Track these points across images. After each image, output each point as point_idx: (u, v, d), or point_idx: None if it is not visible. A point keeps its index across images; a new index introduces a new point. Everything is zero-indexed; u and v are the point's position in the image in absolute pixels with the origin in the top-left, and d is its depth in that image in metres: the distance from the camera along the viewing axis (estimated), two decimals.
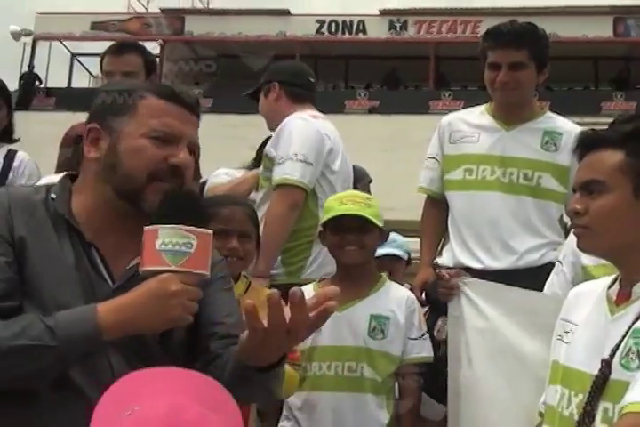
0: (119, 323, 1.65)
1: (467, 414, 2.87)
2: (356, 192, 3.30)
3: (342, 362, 3.03)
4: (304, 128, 3.62)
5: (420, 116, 16.96)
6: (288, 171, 3.50)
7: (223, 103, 18.05)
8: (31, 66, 21.88)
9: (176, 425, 1.41)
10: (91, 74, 22.53)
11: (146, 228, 1.69)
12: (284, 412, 3.13)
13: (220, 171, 4.40)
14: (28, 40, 22.36)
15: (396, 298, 3.14)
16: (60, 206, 1.80)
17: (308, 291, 3.00)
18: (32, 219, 1.76)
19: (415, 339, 3.11)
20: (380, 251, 3.91)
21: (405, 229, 5.10)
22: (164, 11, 22.70)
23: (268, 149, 3.66)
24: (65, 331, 1.60)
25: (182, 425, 1.41)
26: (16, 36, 22.03)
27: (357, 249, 3.05)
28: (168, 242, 1.64)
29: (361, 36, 21.44)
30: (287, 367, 2.69)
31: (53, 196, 1.82)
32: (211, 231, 1.71)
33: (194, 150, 1.86)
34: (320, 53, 21.52)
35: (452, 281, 2.96)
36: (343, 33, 21.46)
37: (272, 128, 3.89)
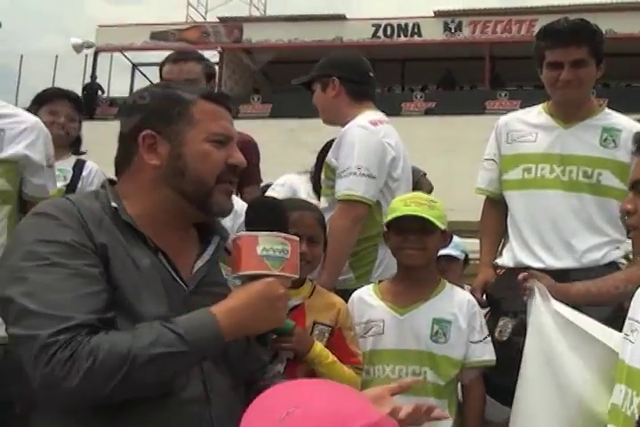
0: (235, 325, 1.71)
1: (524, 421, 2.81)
2: (421, 194, 3.26)
3: (406, 366, 3.00)
4: (366, 139, 3.53)
5: (476, 117, 16.81)
6: (352, 186, 3.43)
7: (282, 108, 18.14)
8: (94, 76, 22.21)
9: (342, 423, 1.38)
10: (152, 83, 22.76)
11: (243, 234, 1.79)
12: None
13: (279, 181, 4.39)
14: (90, 52, 22.71)
15: (457, 301, 3.10)
16: (124, 215, 1.80)
17: (368, 292, 3.17)
18: (102, 227, 1.76)
19: (477, 342, 3.06)
20: None
21: (464, 229, 5.05)
22: (221, 19, 22.87)
23: (330, 158, 3.60)
24: (192, 336, 1.64)
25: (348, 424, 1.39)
26: (78, 48, 22.37)
27: (418, 251, 3.01)
28: (269, 248, 1.74)
29: (416, 38, 21.33)
30: (349, 371, 2.70)
31: (114, 205, 1.80)
32: (298, 238, 1.82)
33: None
34: (376, 57, 21.40)
35: (527, 283, 2.90)
36: (399, 36, 21.34)
37: (328, 122, 3.87)
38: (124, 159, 1.89)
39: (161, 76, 3.97)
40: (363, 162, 3.46)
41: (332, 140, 3.77)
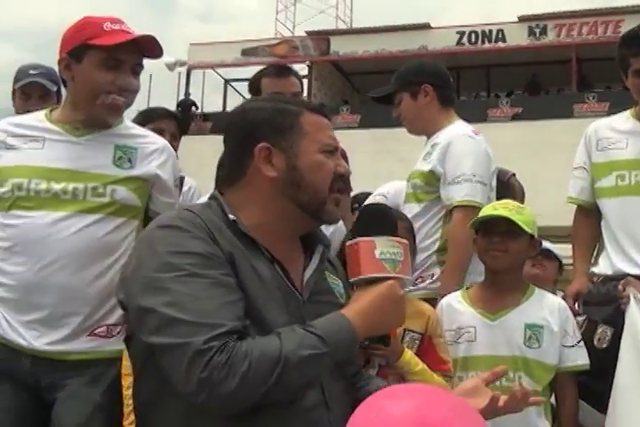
0: (365, 327, 1.74)
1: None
2: (511, 201, 3.22)
3: None
4: (476, 148, 3.57)
5: (564, 121, 16.53)
6: (470, 192, 3.44)
7: (370, 118, 18.15)
8: (187, 93, 22.62)
9: (423, 423, 1.42)
10: (244, 98, 23.13)
11: (360, 239, 1.81)
12: None
13: (382, 189, 4.35)
14: (183, 70, 23.18)
15: (548, 306, 3.06)
16: (243, 226, 1.81)
17: (457, 298, 3.15)
18: (224, 238, 1.77)
19: (571, 347, 3.02)
20: None
21: (553, 235, 4.97)
22: (309, 33, 23.09)
23: (435, 166, 3.56)
24: (331, 339, 1.66)
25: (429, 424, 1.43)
26: (171, 66, 22.79)
27: (502, 253, 2.98)
28: (386, 252, 1.78)
29: (501, 44, 21.11)
30: (439, 379, 2.73)
31: (232, 217, 1.81)
32: (407, 241, 1.85)
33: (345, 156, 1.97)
34: (461, 64, 21.33)
35: (626, 292, 2.87)
36: (483, 42, 21.20)
37: (417, 131, 3.84)
38: (236, 172, 1.88)
39: (257, 89, 3.90)
40: (477, 169, 3.49)
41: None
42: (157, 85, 21.56)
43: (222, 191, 1.92)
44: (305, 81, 23.49)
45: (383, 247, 1.78)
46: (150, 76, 22.76)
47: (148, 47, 2.56)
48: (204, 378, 1.56)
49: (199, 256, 1.69)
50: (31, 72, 3.23)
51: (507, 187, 3.93)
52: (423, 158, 3.68)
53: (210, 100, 23.75)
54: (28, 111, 3.15)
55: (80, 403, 2.45)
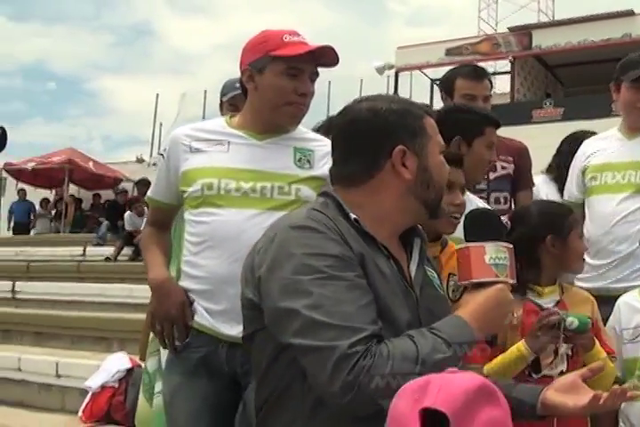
0: (480, 329, 1.76)
1: None
2: None
3: None
4: None
5: None
6: None
7: (574, 111, 17.72)
8: (396, 94, 23.12)
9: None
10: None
11: (470, 244, 1.85)
12: (620, 423, 2.97)
13: None
14: (391, 73, 23.68)
15: None
16: (365, 225, 1.82)
17: (635, 297, 3.08)
18: (352, 238, 1.78)
19: None
20: None
21: None
22: (511, 29, 22.83)
23: None
24: (454, 341, 1.69)
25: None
26: (380, 70, 23.40)
27: None
28: (495, 257, 1.82)
29: None
30: (612, 366, 2.69)
31: (354, 216, 1.82)
32: (512, 245, 1.88)
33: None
34: None
35: None
36: None
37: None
38: (365, 172, 1.88)
39: (450, 88, 3.89)
40: None
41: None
42: (368, 89, 22.43)
43: (337, 189, 1.92)
44: (507, 77, 23.51)
45: (492, 253, 1.82)
46: (361, 80, 23.65)
47: (325, 56, 2.63)
48: (350, 381, 1.58)
49: (335, 258, 1.70)
50: (237, 85, 3.22)
51: None
52: None
53: (418, 100, 24.27)
54: None
55: None
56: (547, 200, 3.46)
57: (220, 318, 2.54)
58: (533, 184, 3.97)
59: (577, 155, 3.74)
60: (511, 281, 1.84)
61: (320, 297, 1.64)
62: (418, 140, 1.86)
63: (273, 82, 2.61)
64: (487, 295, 1.79)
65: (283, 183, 2.63)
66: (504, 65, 23.66)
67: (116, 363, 6.29)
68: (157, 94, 25.75)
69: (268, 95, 2.63)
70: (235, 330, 2.42)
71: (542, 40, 21.93)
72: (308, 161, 2.71)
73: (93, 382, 6.20)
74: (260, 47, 2.64)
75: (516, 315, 2.50)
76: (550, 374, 2.53)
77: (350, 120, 1.91)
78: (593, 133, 3.97)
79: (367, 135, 1.87)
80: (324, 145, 2.69)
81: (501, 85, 23.14)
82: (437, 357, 1.64)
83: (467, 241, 1.89)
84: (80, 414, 6.18)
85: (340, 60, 2.64)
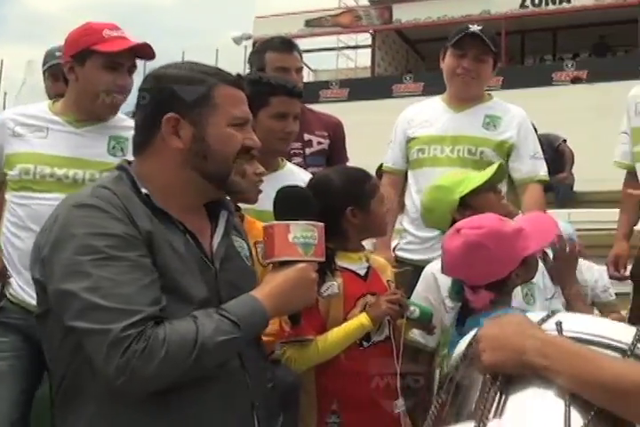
0: (276, 309, 1.82)
1: None
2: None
3: None
4: None
5: (632, 82, 16.11)
6: (544, 170, 3.57)
7: (434, 86, 17.86)
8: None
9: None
10: (310, 69, 23.16)
11: (275, 222, 1.86)
12: None
13: None
14: (249, 43, 23.22)
15: None
16: (156, 200, 1.80)
17: None
18: (140, 215, 1.76)
19: None
20: None
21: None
22: (372, 2, 22.90)
23: (511, 136, 3.54)
24: (245, 322, 1.72)
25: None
26: (237, 40, 23.04)
27: None
28: (300, 235, 1.83)
29: (565, 5, 20.52)
30: None
31: (145, 191, 1.80)
32: (323, 224, 1.88)
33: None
34: (526, 28, 20.94)
35: None
36: (547, 4, 20.59)
37: (470, 96, 3.71)
38: (144, 140, 1.87)
39: (262, 62, 3.82)
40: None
41: None
42: (224, 60, 21.71)
43: (134, 160, 1.91)
44: (369, 50, 23.46)
45: (297, 231, 1.82)
46: (217, 50, 22.98)
47: (143, 51, 2.84)
48: (123, 364, 1.59)
49: (117, 238, 1.69)
50: (57, 54, 3.39)
51: (558, 152, 3.99)
52: (485, 128, 3.60)
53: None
54: (59, 92, 3.36)
55: None
56: (343, 167, 3.28)
57: (30, 292, 2.55)
58: (347, 159, 3.94)
59: (399, 121, 3.79)
60: (318, 259, 1.86)
61: (99, 279, 1.64)
62: (196, 109, 1.83)
63: (92, 74, 2.82)
64: (286, 275, 1.82)
65: (95, 171, 2.83)
66: (365, 38, 23.59)
67: None
68: (1, 60, 24.08)
69: (87, 87, 2.84)
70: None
71: (403, 14, 22.05)
72: (122, 149, 2.89)
73: None
74: (82, 41, 2.83)
75: (336, 283, 2.56)
76: (378, 340, 2.62)
77: (139, 88, 1.92)
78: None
79: (148, 103, 1.87)
80: None
81: (362, 59, 23.04)
82: (220, 339, 1.67)
83: (276, 219, 1.88)
84: None
85: (157, 55, 2.86)
